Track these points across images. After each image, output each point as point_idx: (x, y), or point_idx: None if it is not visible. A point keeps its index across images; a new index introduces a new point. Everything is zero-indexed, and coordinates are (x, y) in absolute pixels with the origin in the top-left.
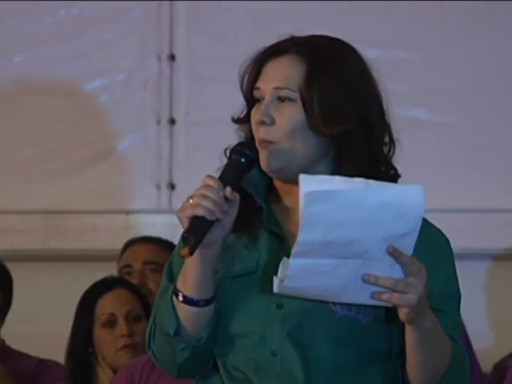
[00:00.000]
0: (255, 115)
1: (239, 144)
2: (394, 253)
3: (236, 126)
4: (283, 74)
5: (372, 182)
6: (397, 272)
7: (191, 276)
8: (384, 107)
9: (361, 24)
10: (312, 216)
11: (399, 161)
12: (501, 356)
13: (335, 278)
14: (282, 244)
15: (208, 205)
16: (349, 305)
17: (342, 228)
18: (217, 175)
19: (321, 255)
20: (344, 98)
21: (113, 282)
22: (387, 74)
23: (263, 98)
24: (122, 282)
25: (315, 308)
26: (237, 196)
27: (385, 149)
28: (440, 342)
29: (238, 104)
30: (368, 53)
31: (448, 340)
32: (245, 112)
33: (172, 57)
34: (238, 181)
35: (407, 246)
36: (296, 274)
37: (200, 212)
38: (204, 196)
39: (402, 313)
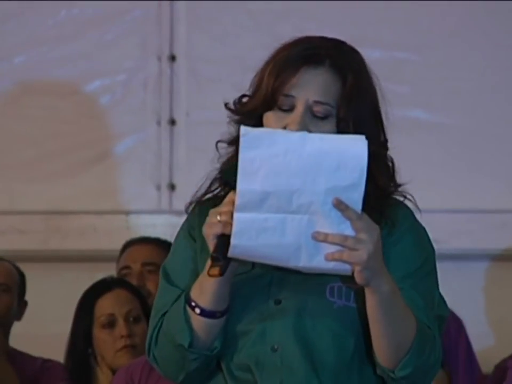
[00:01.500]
0: (291, 123)
1: None
2: (339, 206)
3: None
4: (322, 88)
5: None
6: (347, 229)
7: (209, 289)
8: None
9: (362, 24)
10: (249, 161)
11: (400, 162)
12: (501, 356)
13: (284, 236)
14: None
15: None
16: (347, 295)
17: (280, 176)
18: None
19: (265, 209)
20: (372, 118)
21: (113, 283)
22: (388, 75)
23: (292, 107)
24: (121, 283)
25: (313, 301)
26: None
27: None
28: (402, 312)
29: None
30: (369, 53)
31: (412, 315)
32: (252, 107)
33: (172, 58)
34: None
35: (354, 201)
36: (242, 230)
37: (229, 231)
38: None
39: (356, 273)
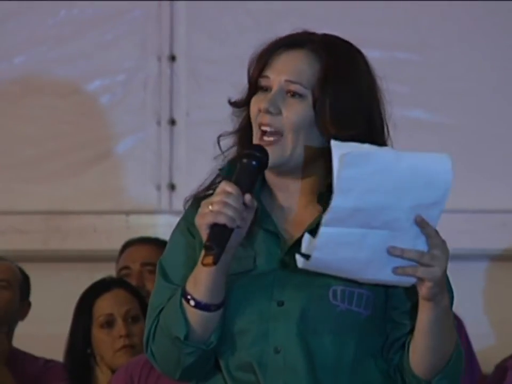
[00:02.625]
0: (260, 103)
1: (249, 147)
2: (421, 223)
3: (236, 127)
4: (296, 68)
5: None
6: (421, 244)
7: (203, 281)
8: (383, 113)
9: (362, 24)
10: (347, 180)
11: None
12: (501, 356)
13: (362, 250)
14: (278, 242)
15: (230, 212)
16: (350, 298)
17: (374, 194)
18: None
19: (350, 224)
20: (354, 104)
21: (112, 283)
22: (388, 75)
23: (270, 88)
24: (120, 282)
25: (316, 304)
26: (254, 202)
27: None
28: (451, 326)
29: None
30: (369, 53)
31: (455, 328)
32: (244, 97)
33: (172, 58)
34: (253, 185)
35: (433, 217)
36: (325, 243)
37: (221, 220)
38: (225, 203)
39: (425, 289)
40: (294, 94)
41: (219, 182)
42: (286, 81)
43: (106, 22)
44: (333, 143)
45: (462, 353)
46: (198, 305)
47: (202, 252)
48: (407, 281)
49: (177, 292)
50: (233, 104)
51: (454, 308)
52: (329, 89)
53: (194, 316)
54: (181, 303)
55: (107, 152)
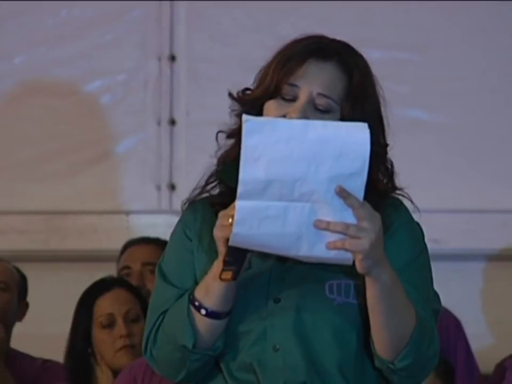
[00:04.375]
0: (285, 111)
1: None
2: (342, 194)
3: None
4: (327, 82)
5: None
6: (349, 217)
7: (216, 291)
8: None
9: (362, 24)
10: (252, 148)
11: (400, 162)
12: (500, 356)
13: (286, 225)
14: None
15: None
16: (347, 291)
17: (283, 164)
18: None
19: (268, 197)
20: (375, 120)
21: (112, 282)
22: (388, 75)
23: (295, 97)
24: (121, 282)
25: (312, 299)
26: None
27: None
28: (402, 303)
29: None
30: (369, 53)
31: (412, 306)
32: (255, 96)
33: (172, 58)
34: None
35: (357, 188)
36: (244, 218)
37: None
38: None
39: (358, 262)
40: (323, 109)
41: (216, 182)
42: (318, 94)
43: (106, 22)
44: (244, 116)
45: (427, 334)
46: (209, 314)
47: (216, 263)
48: (345, 257)
49: (183, 298)
50: (237, 99)
51: (454, 308)
52: (358, 106)
53: (203, 323)
54: (188, 311)
55: (107, 152)
